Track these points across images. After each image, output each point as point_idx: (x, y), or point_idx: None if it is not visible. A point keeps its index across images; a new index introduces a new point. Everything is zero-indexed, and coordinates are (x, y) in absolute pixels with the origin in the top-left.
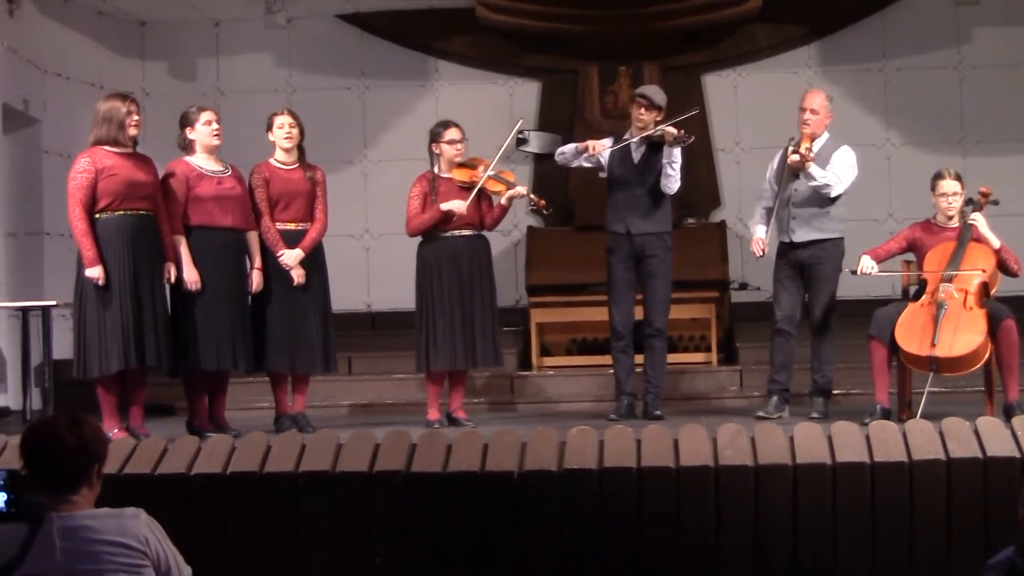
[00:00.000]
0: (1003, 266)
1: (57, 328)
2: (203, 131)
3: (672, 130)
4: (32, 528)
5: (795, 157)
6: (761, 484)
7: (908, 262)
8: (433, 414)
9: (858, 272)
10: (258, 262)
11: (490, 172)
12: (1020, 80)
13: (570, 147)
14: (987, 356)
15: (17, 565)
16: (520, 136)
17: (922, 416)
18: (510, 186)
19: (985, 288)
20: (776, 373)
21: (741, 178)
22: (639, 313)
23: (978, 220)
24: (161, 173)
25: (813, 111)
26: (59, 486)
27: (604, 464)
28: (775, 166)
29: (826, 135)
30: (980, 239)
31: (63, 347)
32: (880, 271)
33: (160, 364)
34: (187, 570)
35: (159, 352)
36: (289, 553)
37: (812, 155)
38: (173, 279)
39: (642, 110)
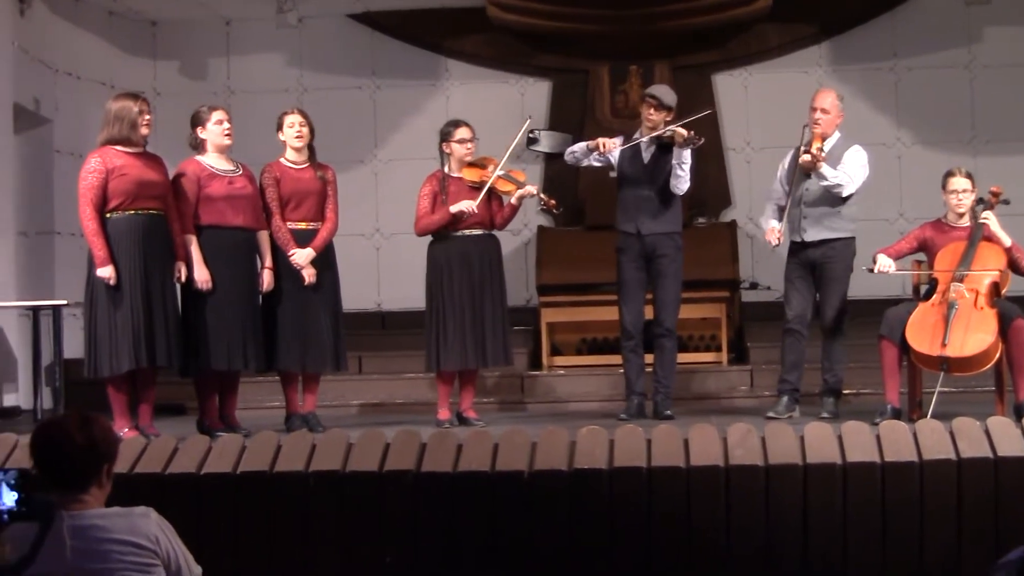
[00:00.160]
0: (1014, 265)
1: (68, 327)
2: (214, 130)
3: (682, 131)
4: (43, 527)
5: (807, 157)
6: (771, 484)
7: (919, 262)
8: (443, 414)
9: (875, 271)
10: (269, 261)
11: (500, 171)
12: None
13: (580, 145)
14: (998, 356)
15: (28, 564)
16: (530, 135)
17: (933, 416)
18: (520, 185)
19: (996, 288)
20: (786, 373)
21: (751, 177)
22: (649, 313)
23: (989, 219)
24: (172, 172)
25: (824, 110)
26: (69, 485)
27: (614, 464)
28: (786, 166)
29: (837, 134)
30: (991, 238)
31: (74, 346)
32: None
33: (171, 364)
34: (197, 569)
35: (170, 352)
36: (299, 552)
37: (824, 155)
38: (184, 278)
39: (652, 110)
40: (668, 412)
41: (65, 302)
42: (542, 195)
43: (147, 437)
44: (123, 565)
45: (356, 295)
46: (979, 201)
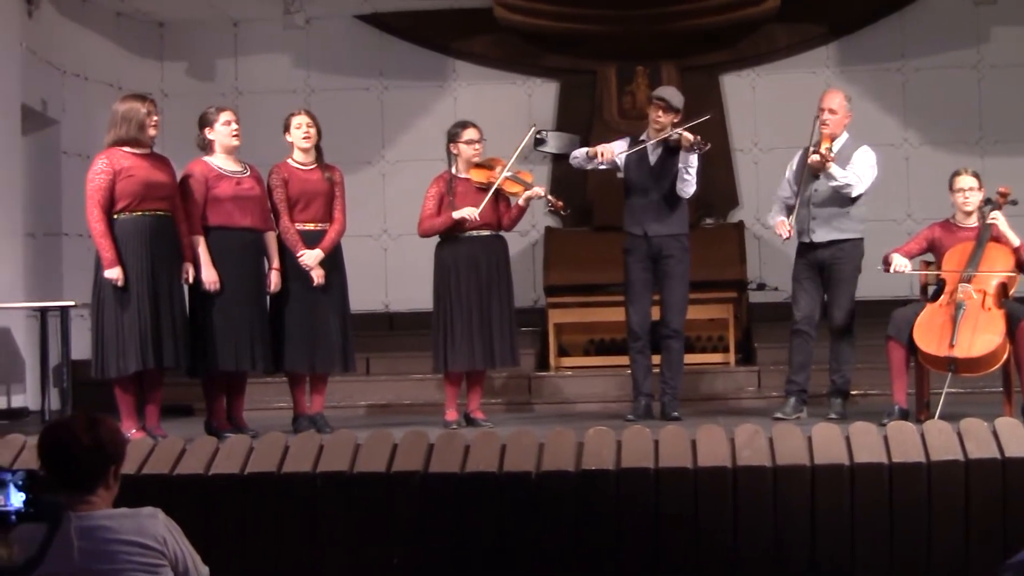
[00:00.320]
0: (1022, 266)
1: (75, 328)
2: (222, 131)
3: (689, 136)
4: (51, 528)
5: (815, 157)
6: (779, 485)
7: (927, 263)
8: (451, 414)
9: (892, 271)
10: (276, 262)
11: (507, 173)
12: None
13: (581, 152)
14: (1006, 357)
15: (36, 565)
16: (538, 136)
17: (940, 417)
18: (528, 187)
19: (1004, 288)
20: (794, 374)
21: (759, 178)
22: (656, 314)
23: (997, 219)
24: (179, 174)
25: (832, 111)
26: (76, 487)
27: (622, 465)
28: (794, 166)
29: (845, 135)
30: (999, 239)
31: (81, 347)
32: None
33: (178, 364)
34: (204, 570)
35: (177, 353)
36: (307, 553)
37: (833, 155)
38: (192, 279)
39: (660, 112)
40: (675, 413)
41: (73, 303)
42: (550, 196)
43: (154, 438)
44: (131, 566)
45: (363, 296)
46: (987, 202)
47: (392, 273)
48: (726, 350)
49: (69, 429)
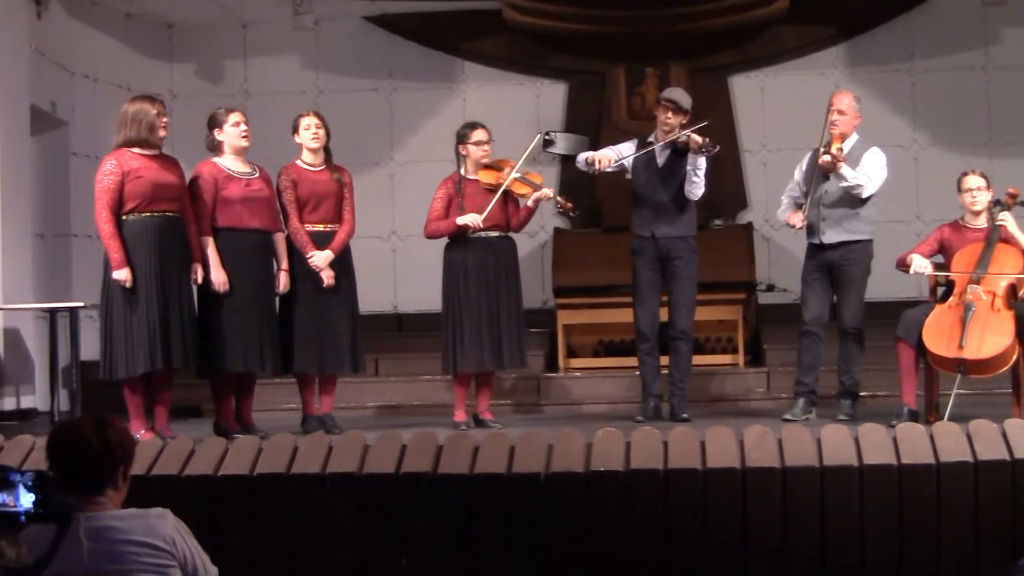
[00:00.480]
0: None
1: (84, 329)
2: (231, 132)
3: (698, 138)
4: (60, 529)
5: (827, 158)
6: (788, 486)
7: (937, 264)
8: (460, 416)
9: (911, 272)
10: (285, 264)
11: (516, 174)
12: None
13: (583, 157)
14: (1015, 358)
15: (45, 565)
16: (546, 138)
17: (950, 418)
18: (536, 188)
19: (1013, 290)
20: (803, 375)
21: (768, 180)
22: (665, 315)
23: (1007, 220)
24: (188, 175)
25: (841, 112)
26: (84, 488)
27: (631, 466)
28: (804, 167)
29: (855, 136)
30: (1008, 240)
31: (91, 348)
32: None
33: (187, 365)
34: (213, 570)
35: (186, 353)
36: (316, 554)
37: (844, 155)
38: (201, 280)
39: (669, 114)
40: (684, 414)
41: (82, 304)
42: (559, 197)
43: (164, 439)
44: (140, 566)
45: (372, 297)
46: (996, 203)
47: (401, 274)
48: (735, 351)
49: (77, 430)
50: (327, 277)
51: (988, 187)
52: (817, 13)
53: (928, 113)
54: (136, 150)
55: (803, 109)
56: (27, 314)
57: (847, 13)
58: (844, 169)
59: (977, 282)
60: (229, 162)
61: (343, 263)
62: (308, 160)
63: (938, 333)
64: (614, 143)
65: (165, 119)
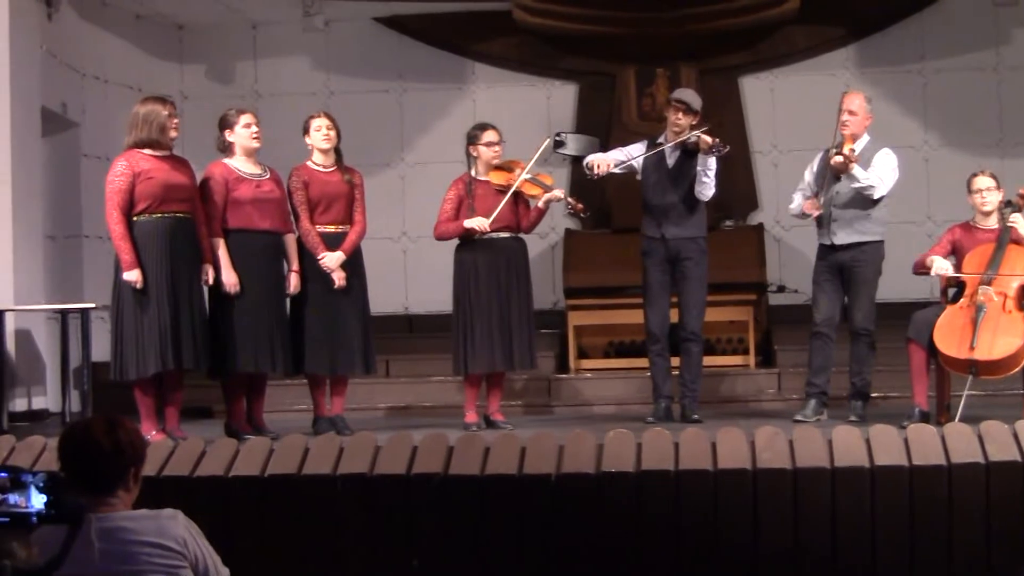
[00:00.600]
0: None
1: (96, 330)
2: (242, 133)
3: (708, 139)
4: (72, 530)
5: (839, 158)
6: (799, 487)
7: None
8: (471, 416)
9: (933, 273)
10: (295, 265)
11: (527, 175)
12: None
13: (584, 162)
14: None
15: (57, 566)
16: (557, 139)
17: (961, 419)
18: (547, 189)
19: None
20: (814, 376)
21: (778, 180)
22: (675, 316)
23: (1018, 222)
24: (199, 176)
25: (851, 112)
26: (96, 488)
27: (642, 467)
28: (815, 168)
29: (866, 137)
30: (1019, 241)
31: (102, 349)
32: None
33: (198, 366)
34: (225, 572)
35: (196, 354)
36: (327, 555)
37: (856, 156)
38: (211, 281)
39: (679, 114)
40: (695, 415)
41: (93, 305)
42: (569, 199)
43: (175, 440)
44: (151, 567)
45: (383, 298)
46: (1007, 204)
47: (412, 275)
48: (746, 352)
49: (89, 431)
50: (338, 278)
51: (998, 187)
52: (828, 14)
53: (939, 114)
54: (147, 151)
55: (814, 110)
56: (38, 315)
57: (858, 14)
58: (856, 170)
59: (988, 283)
60: (240, 163)
61: (354, 264)
62: (319, 161)
63: (949, 334)
64: (624, 144)
65: (176, 120)
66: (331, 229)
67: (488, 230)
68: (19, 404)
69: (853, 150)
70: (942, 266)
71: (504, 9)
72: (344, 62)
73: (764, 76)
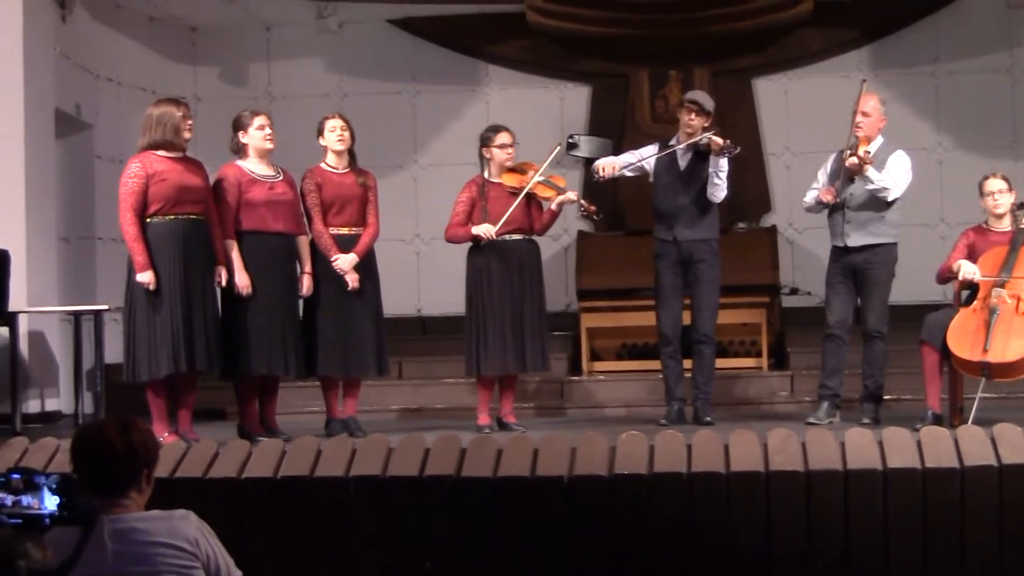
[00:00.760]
0: None
1: (109, 332)
2: (256, 135)
3: (718, 140)
4: (85, 531)
5: (854, 160)
6: (812, 490)
7: None
8: (483, 419)
9: (961, 277)
10: (308, 266)
11: (540, 177)
12: None
13: (593, 164)
14: None
15: (70, 568)
16: (570, 140)
17: (974, 422)
18: (560, 191)
19: None
20: (827, 378)
21: (791, 183)
22: (688, 318)
23: None
24: (212, 178)
25: (865, 114)
26: (108, 490)
27: (654, 469)
28: (829, 168)
29: (880, 139)
30: None
31: (115, 351)
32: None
33: (210, 368)
34: (237, 573)
35: (209, 356)
36: (339, 558)
37: (871, 158)
38: (224, 283)
39: (691, 115)
40: (708, 418)
41: (106, 307)
42: (582, 201)
43: (187, 442)
44: (164, 568)
45: (396, 300)
46: (1020, 206)
47: (425, 277)
48: (759, 355)
49: (101, 432)
50: (351, 280)
51: (1010, 189)
52: (841, 16)
53: (952, 116)
54: (161, 153)
55: (827, 112)
56: (52, 317)
57: (871, 16)
58: (870, 172)
59: (1002, 286)
60: (253, 165)
61: (367, 266)
62: (332, 163)
63: (962, 337)
64: (637, 146)
65: (190, 121)
66: (344, 231)
67: (494, 237)
68: (32, 406)
69: (868, 152)
70: (970, 270)
71: (517, 11)
72: (357, 64)
73: (777, 78)
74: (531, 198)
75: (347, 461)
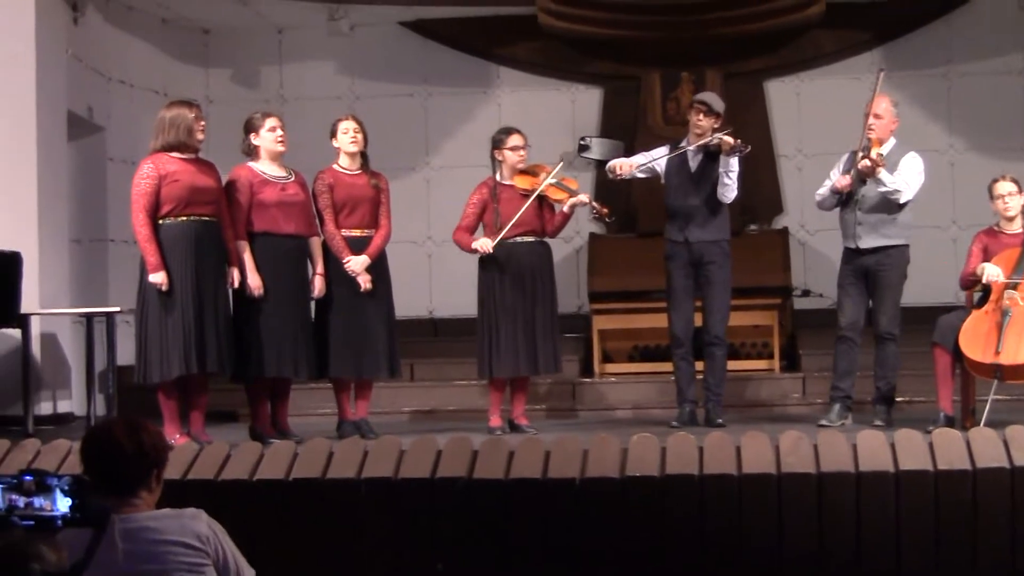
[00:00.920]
0: None
1: (121, 334)
2: (268, 137)
3: (728, 139)
4: (96, 532)
5: (866, 162)
6: (824, 492)
7: None
8: (495, 421)
9: (984, 280)
10: (320, 268)
11: (552, 179)
12: None
13: (609, 164)
14: None
15: (82, 568)
16: (582, 143)
17: (986, 424)
18: (572, 193)
19: None
20: (839, 380)
21: (803, 184)
22: (699, 320)
23: None
24: (224, 179)
25: (877, 115)
26: (118, 490)
27: (666, 471)
28: (841, 169)
29: (892, 140)
30: None
31: (127, 353)
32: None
33: (222, 370)
34: (250, 572)
35: (221, 358)
36: (351, 559)
37: (883, 160)
38: (237, 284)
39: (701, 116)
40: (719, 420)
41: (118, 309)
42: (594, 203)
43: (200, 443)
44: (175, 566)
45: (408, 302)
46: None
47: (436, 279)
48: (771, 357)
49: (110, 433)
50: (363, 282)
51: (1020, 192)
52: (853, 18)
53: (964, 118)
54: (173, 154)
55: (839, 114)
56: (64, 319)
57: (883, 18)
58: (883, 174)
59: (1014, 288)
60: (265, 166)
61: (379, 268)
62: (345, 164)
63: (974, 338)
64: (649, 149)
65: (202, 123)
66: (356, 233)
67: (491, 251)
68: (44, 408)
69: (881, 154)
70: (993, 272)
71: (529, 13)
72: (369, 66)
73: (789, 80)
74: (543, 200)
75: (359, 463)
